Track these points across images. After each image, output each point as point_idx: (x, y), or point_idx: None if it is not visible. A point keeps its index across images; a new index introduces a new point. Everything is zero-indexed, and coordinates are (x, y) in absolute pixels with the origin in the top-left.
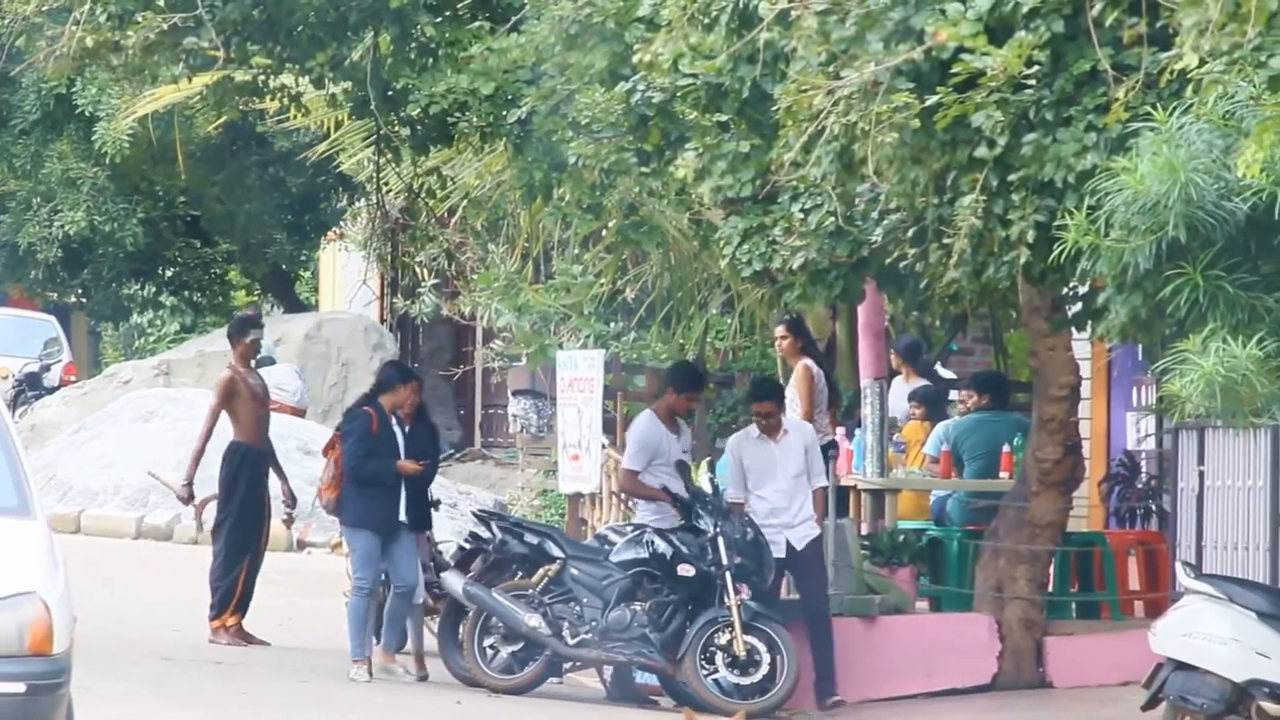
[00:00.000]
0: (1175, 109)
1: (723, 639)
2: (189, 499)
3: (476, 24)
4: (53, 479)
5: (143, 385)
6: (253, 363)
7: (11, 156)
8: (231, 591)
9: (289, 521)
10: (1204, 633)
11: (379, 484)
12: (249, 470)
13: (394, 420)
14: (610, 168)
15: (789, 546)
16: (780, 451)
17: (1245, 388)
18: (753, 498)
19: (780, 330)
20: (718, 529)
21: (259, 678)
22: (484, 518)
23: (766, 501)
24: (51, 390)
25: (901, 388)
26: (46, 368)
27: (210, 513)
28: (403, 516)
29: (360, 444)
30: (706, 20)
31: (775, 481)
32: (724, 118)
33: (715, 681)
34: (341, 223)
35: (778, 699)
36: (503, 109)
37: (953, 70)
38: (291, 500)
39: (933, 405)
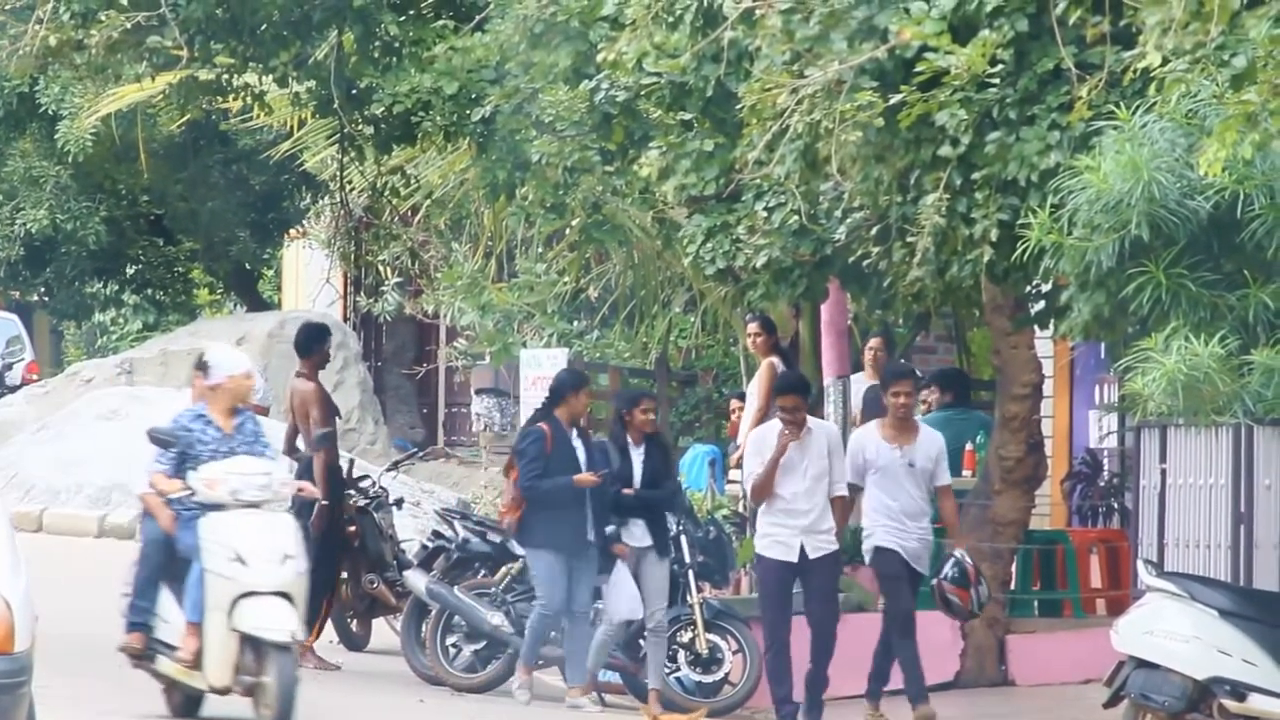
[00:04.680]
0: (1138, 108)
1: (685, 637)
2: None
3: (440, 23)
4: (15, 477)
5: (105, 384)
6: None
7: None
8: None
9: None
10: (1165, 630)
11: (556, 504)
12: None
13: (575, 433)
14: (574, 166)
15: (802, 553)
16: (802, 450)
17: (1207, 386)
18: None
19: (753, 327)
20: (680, 527)
21: None
22: (447, 516)
23: (783, 500)
24: (13, 389)
25: (860, 385)
26: (9, 366)
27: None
28: (589, 535)
29: (534, 464)
30: (671, 19)
31: (793, 482)
32: (688, 116)
33: (678, 679)
34: (305, 221)
35: (740, 697)
36: (466, 108)
37: (917, 69)
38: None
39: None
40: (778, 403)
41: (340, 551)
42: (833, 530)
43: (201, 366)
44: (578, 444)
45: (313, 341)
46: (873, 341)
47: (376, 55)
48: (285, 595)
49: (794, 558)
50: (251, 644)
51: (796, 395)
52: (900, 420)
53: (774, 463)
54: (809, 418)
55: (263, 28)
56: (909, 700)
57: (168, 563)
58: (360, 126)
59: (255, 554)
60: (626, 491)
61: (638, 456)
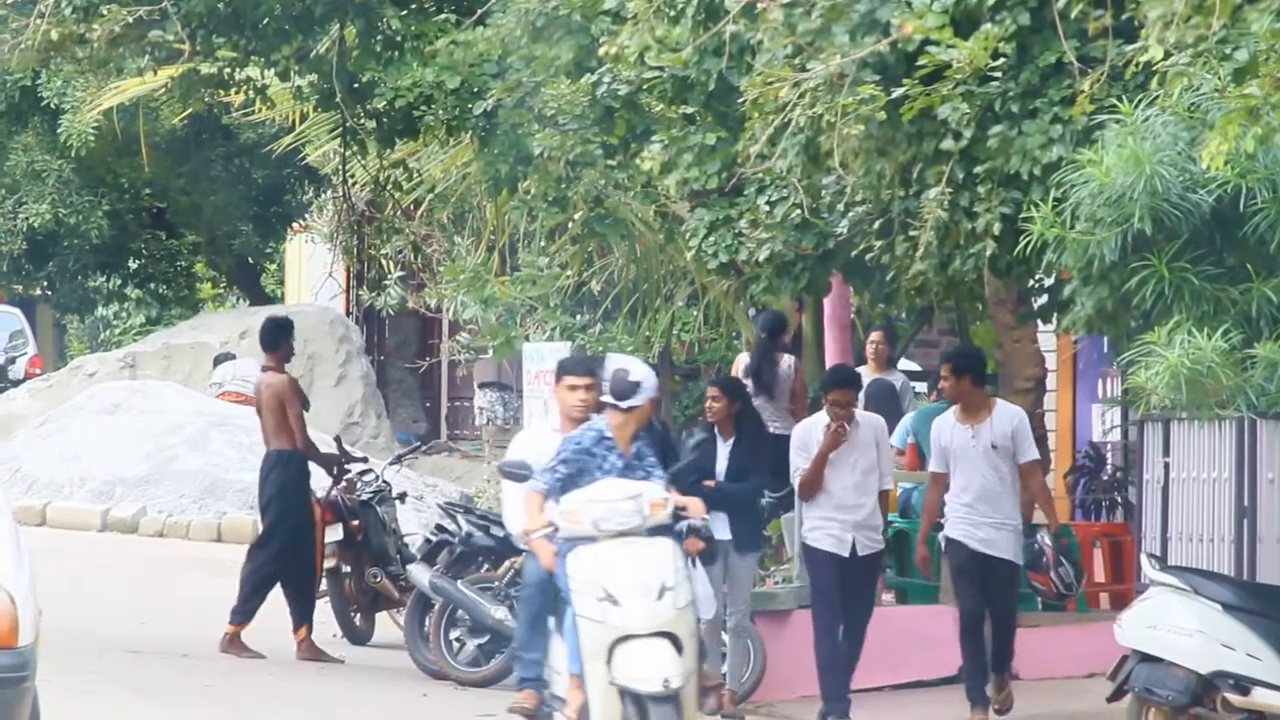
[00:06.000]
0: (1140, 101)
1: None
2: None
3: (442, 17)
4: (18, 471)
5: (108, 378)
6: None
7: None
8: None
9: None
10: (1169, 625)
11: None
12: (305, 477)
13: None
14: (576, 160)
15: (852, 549)
16: (849, 444)
17: (1210, 379)
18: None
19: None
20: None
21: (224, 671)
22: (450, 510)
23: (832, 496)
24: (17, 383)
25: (863, 378)
26: (12, 360)
27: None
28: None
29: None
30: (672, 13)
31: (843, 475)
32: (690, 110)
33: None
34: (307, 215)
35: (743, 692)
36: (468, 102)
37: (919, 62)
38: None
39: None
40: (830, 397)
41: (318, 543)
42: (880, 528)
43: (590, 375)
44: None
45: (278, 335)
46: (874, 335)
47: (378, 49)
48: (667, 634)
49: (845, 552)
50: (632, 695)
51: (849, 389)
52: (962, 401)
53: (822, 458)
54: (855, 411)
55: (265, 22)
56: (967, 698)
57: (552, 605)
58: (362, 120)
59: (628, 591)
60: (706, 483)
61: (724, 449)
